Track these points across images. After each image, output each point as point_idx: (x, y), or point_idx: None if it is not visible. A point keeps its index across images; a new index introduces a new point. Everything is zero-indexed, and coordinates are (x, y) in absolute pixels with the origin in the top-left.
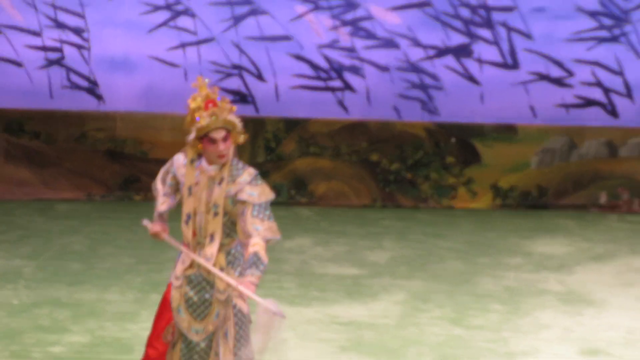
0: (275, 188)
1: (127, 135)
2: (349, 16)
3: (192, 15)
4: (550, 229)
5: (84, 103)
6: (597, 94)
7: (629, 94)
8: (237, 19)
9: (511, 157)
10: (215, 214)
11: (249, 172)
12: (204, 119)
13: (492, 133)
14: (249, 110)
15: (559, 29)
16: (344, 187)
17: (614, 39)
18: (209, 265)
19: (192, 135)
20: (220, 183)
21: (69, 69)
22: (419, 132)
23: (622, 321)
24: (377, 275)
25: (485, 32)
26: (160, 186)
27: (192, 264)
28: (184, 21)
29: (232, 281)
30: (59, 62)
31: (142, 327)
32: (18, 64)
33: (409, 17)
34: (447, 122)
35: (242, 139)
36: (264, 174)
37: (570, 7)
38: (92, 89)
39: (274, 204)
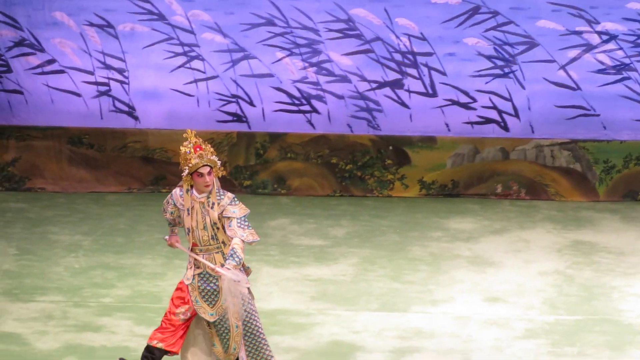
0: (262, 183)
1: (156, 146)
2: (315, 60)
3: (202, 59)
4: (461, 211)
5: (125, 123)
6: (493, 115)
7: (516, 114)
8: (235, 62)
9: (432, 160)
10: (218, 229)
11: (228, 196)
12: (193, 159)
13: (418, 142)
14: (244, 127)
15: (466, 68)
16: (312, 182)
17: (505, 75)
18: (202, 259)
19: (185, 172)
20: (212, 207)
21: (114, 98)
22: (365, 142)
23: (513, 277)
24: (337, 245)
25: (412, 70)
26: (166, 214)
27: (198, 265)
28: (196, 64)
29: (212, 265)
30: (107, 93)
31: (168, 284)
32: (78, 94)
33: (358, 60)
34: (385, 135)
35: (221, 173)
36: (255, 173)
37: (473, 53)
38: (131, 112)
39: (262, 195)
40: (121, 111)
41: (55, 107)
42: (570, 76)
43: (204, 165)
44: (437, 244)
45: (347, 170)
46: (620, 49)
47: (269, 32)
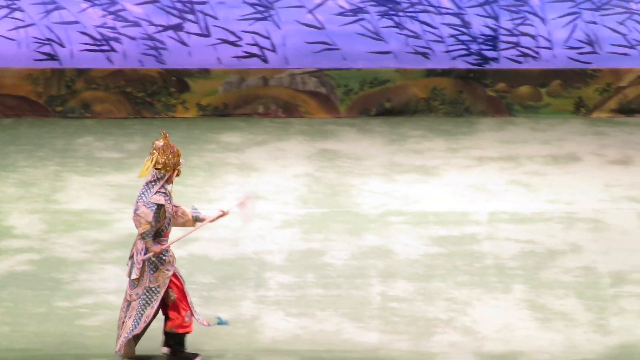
0: (71, 109)
1: None
2: (112, 9)
3: (22, 10)
4: (231, 128)
5: None
6: (256, 50)
7: (274, 49)
8: (48, 12)
9: (207, 87)
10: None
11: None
12: (178, 157)
13: (196, 74)
14: (56, 65)
15: (233, 13)
16: (111, 107)
17: (264, 19)
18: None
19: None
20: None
21: None
22: (154, 74)
23: (273, 179)
24: (132, 157)
25: (191, 16)
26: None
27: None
28: (17, 14)
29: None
30: None
31: None
32: None
33: (147, 9)
34: (170, 68)
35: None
36: (65, 100)
37: (239, 1)
38: None
39: (72, 118)
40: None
41: None
42: (317, 18)
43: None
44: (212, 155)
45: (140, 97)
46: None
47: None
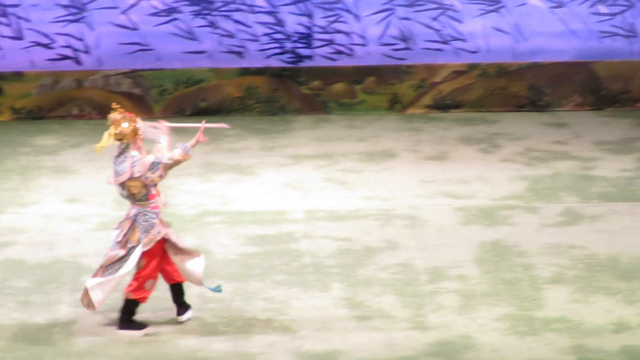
0: None
1: None
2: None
3: None
4: (45, 131)
5: None
6: (69, 52)
7: (88, 51)
8: None
9: (21, 90)
10: None
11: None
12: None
13: (9, 77)
14: None
15: (46, 16)
16: None
17: (78, 21)
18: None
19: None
20: None
21: None
22: None
23: (89, 182)
24: None
25: (4, 19)
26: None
27: None
28: None
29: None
30: None
31: None
32: None
33: None
34: None
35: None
36: None
37: (53, 3)
38: None
39: None
40: None
41: None
42: (130, 19)
43: None
44: (26, 158)
45: None
46: None
47: None
